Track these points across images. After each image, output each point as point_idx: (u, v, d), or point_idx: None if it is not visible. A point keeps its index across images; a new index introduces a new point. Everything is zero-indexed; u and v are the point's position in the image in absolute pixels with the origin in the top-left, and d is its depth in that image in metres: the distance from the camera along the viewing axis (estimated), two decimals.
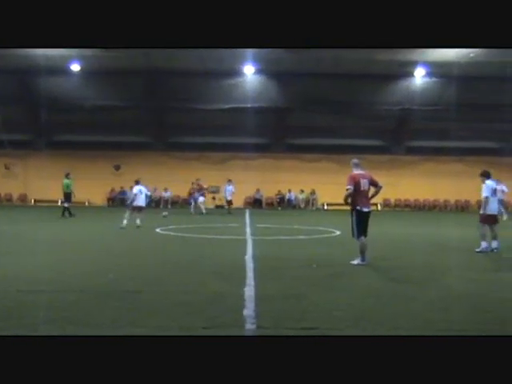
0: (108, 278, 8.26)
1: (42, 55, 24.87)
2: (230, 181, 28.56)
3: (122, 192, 34.77)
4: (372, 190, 10.33)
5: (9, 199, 35.10)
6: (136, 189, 18.27)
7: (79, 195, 25.40)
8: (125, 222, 17.22)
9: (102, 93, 31.22)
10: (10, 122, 31.22)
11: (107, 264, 9.97)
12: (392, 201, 36.00)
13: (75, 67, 28.25)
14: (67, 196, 22.72)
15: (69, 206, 22.42)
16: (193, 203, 27.01)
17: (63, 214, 22.02)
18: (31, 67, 27.25)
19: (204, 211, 26.07)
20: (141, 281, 8.21)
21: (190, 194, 28.26)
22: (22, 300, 6.79)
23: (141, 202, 18.15)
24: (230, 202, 28.39)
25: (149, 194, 20.28)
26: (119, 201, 34.58)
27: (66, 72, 29.01)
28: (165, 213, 23.65)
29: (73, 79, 30.03)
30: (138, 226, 17.29)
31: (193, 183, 27.70)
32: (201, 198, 26.90)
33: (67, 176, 23.04)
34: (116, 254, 11.69)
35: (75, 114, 32.35)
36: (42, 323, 5.57)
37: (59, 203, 32.58)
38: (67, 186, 22.79)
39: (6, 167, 34.56)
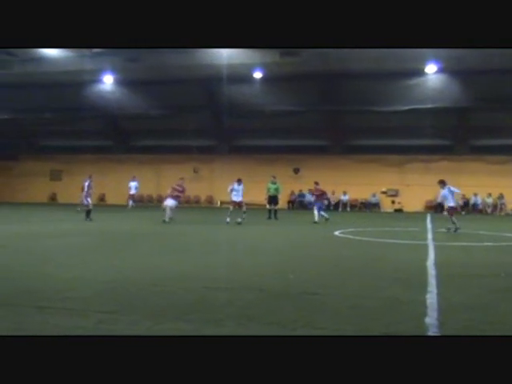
0: (288, 279, 8.41)
1: (227, 64, 26.19)
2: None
3: (301, 194, 35.40)
4: None
5: (197, 201, 37.43)
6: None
7: (260, 198, 26.29)
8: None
9: (281, 98, 32.04)
10: (197, 128, 33.42)
11: (285, 265, 10.16)
12: None
13: (257, 75, 29.34)
14: (274, 199, 23.61)
15: (273, 209, 23.31)
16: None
17: (269, 217, 23.01)
18: (216, 76, 28.79)
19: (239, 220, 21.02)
20: (318, 283, 8.22)
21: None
22: (206, 296, 7.16)
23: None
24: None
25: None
26: (299, 203, 35.24)
27: (248, 79, 30.23)
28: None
29: (254, 86, 31.21)
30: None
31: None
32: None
33: (274, 179, 23.97)
34: (294, 255, 11.88)
35: (256, 120, 33.62)
36: (225, 319, 5.80)
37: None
38: (276, 189, 23.74)
39: (195, 171, 36.90)
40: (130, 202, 31.73)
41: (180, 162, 36.17)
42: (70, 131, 34.56)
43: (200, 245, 13.61)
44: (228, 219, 20.67)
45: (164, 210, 20.62)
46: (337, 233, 17.06)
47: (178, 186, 21.50)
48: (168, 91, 32.20)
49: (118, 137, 38.60)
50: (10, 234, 15.82)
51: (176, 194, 21.30)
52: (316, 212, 22.08)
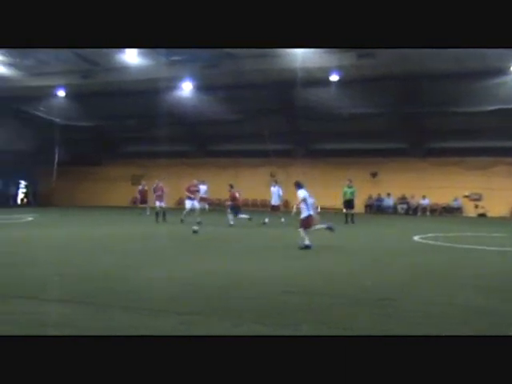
0: (365, 285, 8.30)
1: (303, 68, 26.17)
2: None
3: (379, 199, 34.82)
4: None
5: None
6: None
7: (337, 202, 26.01)
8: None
9: (358, 101, 31.63)
10: (273, 132, 33.53)
11: (363, 271, 10.02)
12: None
13: (334, 77, 29.15)
14: (350, 203, 23.47)
15: (352, 214, 23.16)
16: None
17: (346, 221, 22.87)
18: (292, 80, 28.80)
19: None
20: (395, 289, 8.06)
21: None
22: (283, 300, 7.18)
23: None
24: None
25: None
26: (376, 208, 34.69)
27: (324, 82, 30.07)
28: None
29: (330, 89, 30.99)
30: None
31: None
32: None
33: (350, 183, 23.82)
34: (372, 261, 11.70)
35: (332, 123, 33.35)
36: (302, 323, 5.79)
37: (318, 209, 34.05)
38: (352, 193, 23.59)
39: (271, 175, 37.02)
40: (204, 205, 32.51)
41: (257, 166, 36.40)
42: (150, 137, 35.57)
43: (277, 248, 13.63)
44: (266, 219, 21.23)
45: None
46: (416, 238, 16.65)
47: (192, 186, 21.75)
48: (244, 96, 32.52)
49: (196, 142, 39.38)
50: (98, 236, 16.47)
51: (188, 194, 21.43)
52: (230, 215, 20.67)
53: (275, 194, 22.12)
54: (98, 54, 26.70)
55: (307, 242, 13.02)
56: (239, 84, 30.74)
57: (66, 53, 25.56)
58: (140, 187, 28.34)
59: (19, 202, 40.47)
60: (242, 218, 20.58)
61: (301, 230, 13.34)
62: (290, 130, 35.46)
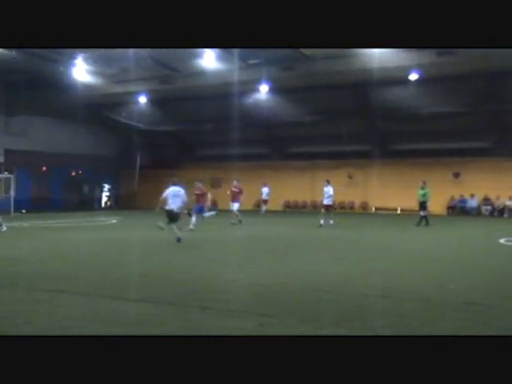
0: (449, 289, 8.07)
1: (380, 68, 25.75)
2: None
3: (463, 200, 33.71)
4: None
5: (351, 207, 37.19)
6: None
7: (416, 204, 25.35)
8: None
9: (438, 99, 30.79)
10: (351, 133, 33.20)
11: (446, 274, 9.74)
12: None
13: (413, 76, 28.52)
14: (423, 205, 22.86)
15: (426, 215, 22.53)
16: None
17: (419, 223, 22.25)
18: (368, 80, 28.41)
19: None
20: (480, 293, 7.78)
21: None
22: (364, 303, 7.09)
23: None
24: None
25: None
26: (459, 209, 33.61)
27: (403, 82, 29.47)
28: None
29: (410, 88, 30.33)
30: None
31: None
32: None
33: (423, 185, 23.22)
34: (455, 264, 11.33)
35: (411, 123, 32.62)
36: (383, 327, 5.70)
37: (398, 211, 33.40)
38: (423, 195, 23.01)
39: (349, 176, 36.70)
40: (264, 208, 32.74)
41: (334, 167, 36.13)
42: (227, 140, 36.06)
43: (355, 251, 13.49)
44: (321, 221, 20.82)
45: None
46: (502, 240, 15.97)
47: (196, 189, 20.63)
48: (321, 97, 32.38)
49: (273, 144, 39.57)
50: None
51: (195, 198, 20.36)
52: (193, 218, 19.62)
53: (328, 194, 21.86)
54: (177, 60, 27.41)
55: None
56: (315, 85, 30.64)
57: (146, 60, 26.38)
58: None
59: (103, 205, 42.05)
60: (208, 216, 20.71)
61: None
62: (367, 130, 34.97)
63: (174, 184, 15.51)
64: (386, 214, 32.52)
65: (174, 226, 14.88)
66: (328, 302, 7.17)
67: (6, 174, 32.29)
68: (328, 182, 22.18)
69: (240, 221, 22.28)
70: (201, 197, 20.31)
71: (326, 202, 21.82)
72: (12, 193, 30.10)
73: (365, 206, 36.88)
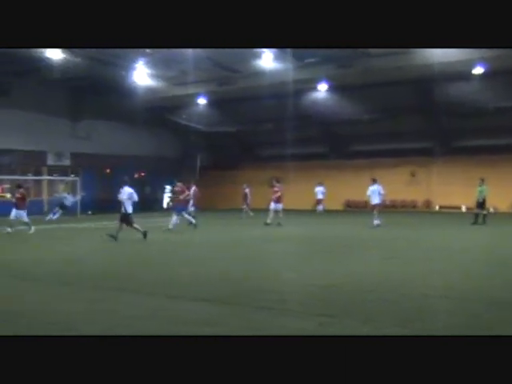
0: None
1: (442, 62, 25.06)
2: None
3: None
4: None
5: (414, 205, 36.44)
6: None
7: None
8: None
9: (503, 94, 29.73)
10: (412, 130, 32.52)
11: (508, 275, 9.40)
12: None
13: (478, 70, 27.67)
14: (480, 203, 22.17)
15: (485, 214, 21.85)
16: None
17: (475, 222, 21.59)
18: (430, 76, 27.73)
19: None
20: None
21: None
22: (425, 304, 6.92)
23: None
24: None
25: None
26: None
27: (466, 76, 28.63)
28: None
29: (474, 83, 29.44)
30: None
31: None
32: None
33: (481, 182, 22.56)
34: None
35: (477, 118, 31.64)
36: (446, 329, 5.54)
37: (463, 209, 32.44)
38: (480, 192, 22.33)
39: (412, 174, 35.99)
40: (320, 207, 32.43)
41: (396, 165, 35.48)
42: (286, 140, 35.98)
43: (414, 251, 13.19)
44: (375, 222, 20.08)
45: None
46: None
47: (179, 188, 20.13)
48: (380, 94, 31.80)
49: (332, 143, 39.22)
50: (234, 238, 17.01)
51: (177, 198, 19.95)
52: (174, 218, 19.18)
53: (375, 193, 20.99)
54: (235, 61, 27.57)
55: None
56: (374, 82, 30.17)
57: (205, 62, 26.66)
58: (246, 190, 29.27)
59: (165, 205, 42.82)
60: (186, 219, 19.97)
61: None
62: (429, 127, 34.17)
63: (126, 184, 16.01)
64: (449, 213, 31.68)
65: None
66: (387, 302, 7.04)
67: (72, 177, 33.42)
68: (374, 181, 21.28)
69: (279, 223, 21.35)
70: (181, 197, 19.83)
71: (375, 201, 20.86)
72: (78, 196, 31.02)
73: (428, 205, 36.07)
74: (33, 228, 18.76)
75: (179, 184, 20.32)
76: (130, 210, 15.80)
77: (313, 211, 32.43)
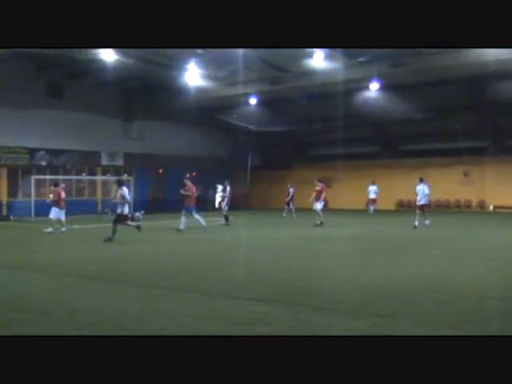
0: None
1: (495, 60, 24.44)
2: None
3: None
4: None
5: (468, 205, 35.69)
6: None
7: None
8: None
9: None
10: (465, 129, 31.83)
11: None
12: None
13: None
14: None
15: None
16: None
17: None
18: (483, 74, 27.10)
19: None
20: None
21: None
22: (482, 305, 6.85)
23: None
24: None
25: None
26: None
27: None
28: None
29: None
30: None
31: None
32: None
33: None
34: None
35: None
36: (502, 331, 5.49)
37: None
38: None
39: (465, 174, 35.26)
40: (372, 207, 32.03)
41: (448, 165, 34.83)
42: (338, 139, 35.77)
43: (467, 251, 12.96)
44: (416, 223, 19.57)
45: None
46: None
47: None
48: (432, 93, 31.24)
49: (384, 142, 38.78)
50: (286, 237, 17.09)
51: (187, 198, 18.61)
52: (183, 218, 18.43)
53: (422, 192, 20.49)
54: (285, 61, 27.60)
55: None
56: (427, 81, 29.70)
57: (256, 62, 26.80)
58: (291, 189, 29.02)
59: (217, 205, 43.20)
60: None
61: None
62: (482, 126, 33.40)
63: (122, 184, 16.35)
64: (505, 213, 30.89)
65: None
66: (443, 303, 6.99)
67: (126, 177, 34.15)
68: (421, 180, 20.80)
69: (321, 222, 21.07)
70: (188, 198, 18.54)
71: (422, 201, 20.35)
72: (129, 196, 31.59)
73: (482, 205, 35.26)
74: (64, 228, 18.94)
75: (188, 182, 18.97)
76: (126, 210, 16.03)
77: (365, 211, 32.14)
